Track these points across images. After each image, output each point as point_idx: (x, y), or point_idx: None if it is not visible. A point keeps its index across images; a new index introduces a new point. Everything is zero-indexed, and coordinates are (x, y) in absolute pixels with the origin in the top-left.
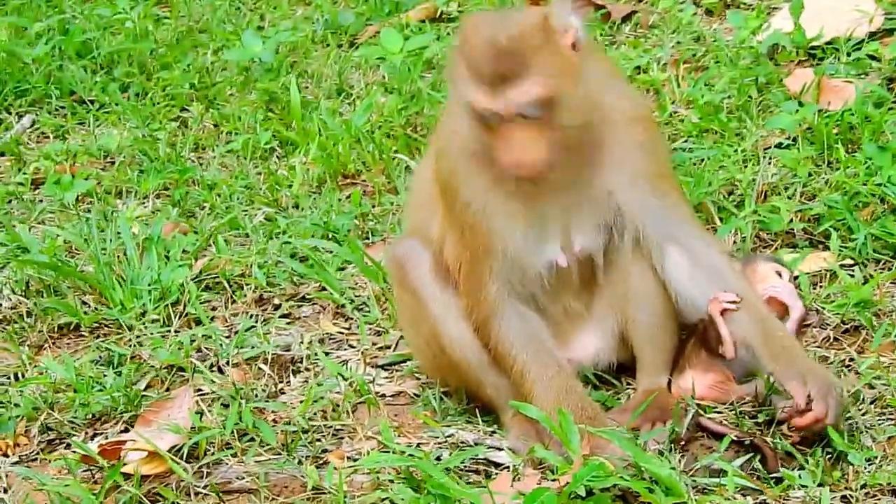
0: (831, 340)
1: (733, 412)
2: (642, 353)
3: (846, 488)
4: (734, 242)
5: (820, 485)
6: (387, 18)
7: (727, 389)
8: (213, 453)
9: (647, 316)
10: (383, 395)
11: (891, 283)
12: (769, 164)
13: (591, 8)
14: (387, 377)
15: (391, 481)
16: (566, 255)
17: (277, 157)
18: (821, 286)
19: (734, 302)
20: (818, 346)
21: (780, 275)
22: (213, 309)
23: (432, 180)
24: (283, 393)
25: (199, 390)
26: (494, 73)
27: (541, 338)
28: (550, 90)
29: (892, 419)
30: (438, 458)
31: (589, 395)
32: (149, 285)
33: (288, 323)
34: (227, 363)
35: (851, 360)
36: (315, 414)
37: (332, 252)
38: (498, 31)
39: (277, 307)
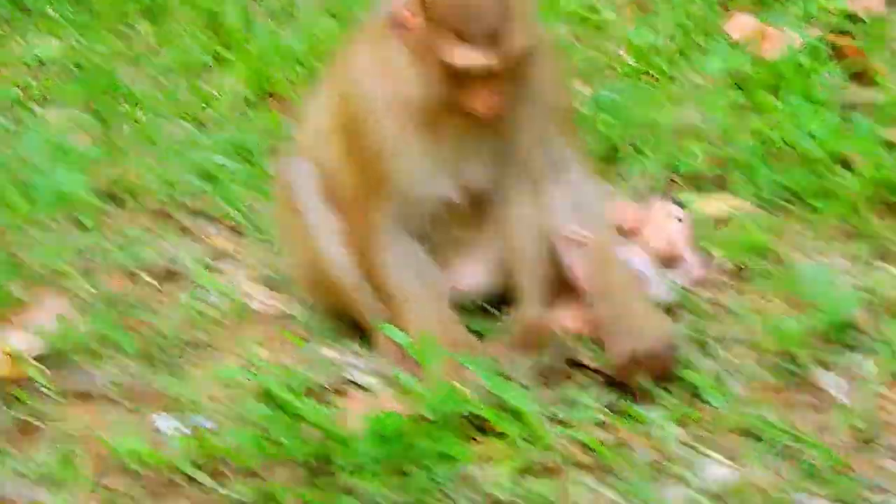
0: (720, 284)
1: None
2: (522, 283)
3: (702, 428)
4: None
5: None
6: None
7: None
8: (76, 360)
9: (528, 246)
10: (259, 313)
11: (796, 232)
12: (691, 108)
13: None
14: (269, 296)
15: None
16: (460, 192)
17: (211, 75)
18: (721, 229)
19: (579, 238)
20: (703, 289)
21: (671, 215)
22: (109, 218)
23: (331, 116)
24: (161, 304)
25: (77, 296)
26: (487, 29)
27: (422, 267)
28: (535, 37)
29: (763, 363)
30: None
31: (467, 324)
32: (46, 191)
33: (184, 237)
34: (109, 273)
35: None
36: (186, 326)
37: (233, 171)
38: None
39: (178, 222)
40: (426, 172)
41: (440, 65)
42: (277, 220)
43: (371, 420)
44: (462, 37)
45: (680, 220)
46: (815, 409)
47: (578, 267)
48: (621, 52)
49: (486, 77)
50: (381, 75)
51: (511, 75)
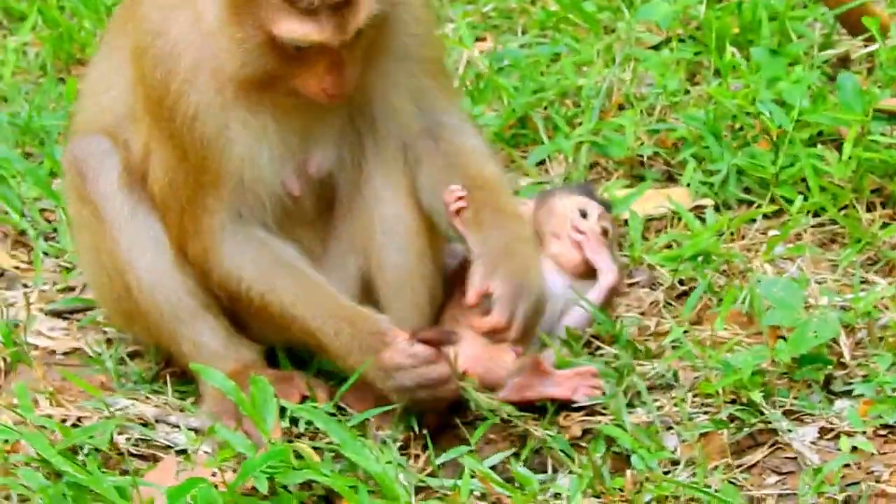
0: (661, 306)
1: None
2: (391, 305)
3: (623, 500)
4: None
5: (596, 495)
6: None
7: (500, 362)
8: None
9: (397, 253)
10: (53, 352)
11: (755, 231)
12: (627, 69)
13: None
14: (63, 328)
15: (26, 463)
16: (299, 180)
17: (1, 36)
18: (665, 232)
19: (460, 197)
20: (641, 314)
21: (584, 215)
22: None
23: (132, 84)
24: None
25: None
26: (326, 2)
27: (285, 258)
28: (379, 6)
29: (709, 412)
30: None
31: (320, 366)
32: None
33: None
34: None
35: (686, 331)
36: None
37: (19, 164)
38: None
39: None
40: (251, 154)
41: (263, 34)
42: (71, 220)
43: (169, 492)
44: (292, 2)
45: (587, 216)
46: (775, 472)
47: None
48: None
49: (324, 54)
50: (186, 31)
51: (360, 45)
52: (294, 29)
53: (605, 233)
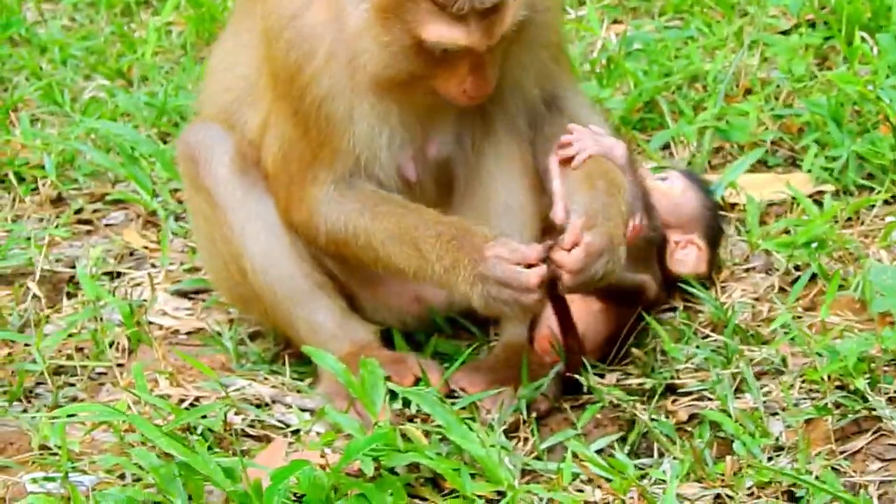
0: (776, 291)
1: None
2: None
3: (724, 485)
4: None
5: (698, 480)
6: None
7: (606, 318)
8: None
9: (513, 237)
10: (176, 332)
11: (873, 217)
12: (756, 53)
13: None
14: (187, 308)
15: (142, 443)
16: (417, 165)
17: (147, 15)
18: (785, 217)
19: (566, 145)
20: (756, 299)
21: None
22: None
23: (259, 64)
24: (49, 321)
25: None
26: (477, 7)
27: (386, 194)
28: (524, 12)
29: (816, 398)
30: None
31: (434, 347)
32: None
33: (89, 232)
34: None
35: (798, 317)
36: (73, 351)
37: (153, 145)
38: None
39: (79, 211)
40: (371, 135)
41: (410, 38)
42: (187, 206)
43: (275, 475)
44: (443, 8)
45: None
46: (878, 458)
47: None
48: None
49: (467, 57)
50: (323, 21)
51: (501, 47)
52: (443, 33)
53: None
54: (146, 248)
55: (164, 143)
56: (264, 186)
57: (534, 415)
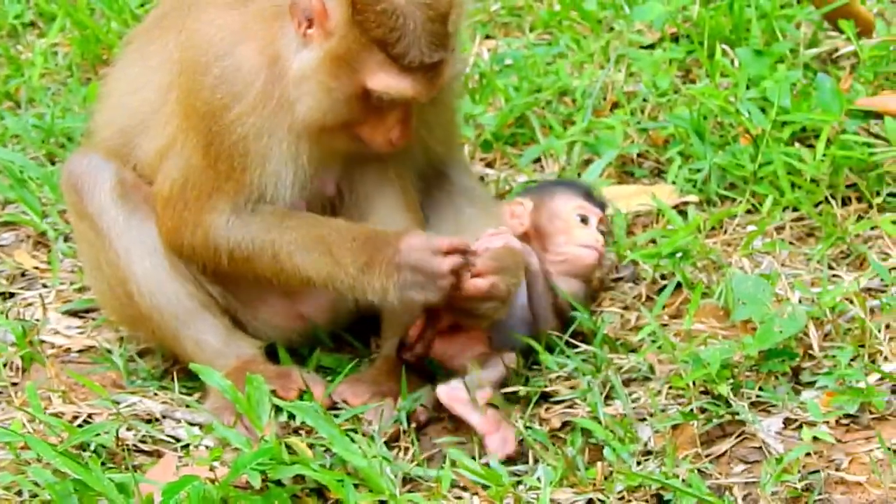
0: (643, 300)
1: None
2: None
3: (596, 490)
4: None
5: (571, 485)
6: None
7: (468, 351)
8: None
9: None
10: (68, 350)
11: (735, 226)
12: (622, 68)
13: None
14: (78, 327)
15: (38, 460)
16: (312, 198)
17: (34, 37)
18: (651, 228)
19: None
20: (624, 308)
21: (584, 220)
22: None
23: (166, 90)
24: None
25: None
26: (426, 61)
27: (298, 213)
28: (459, 66)
29: (682, 403)
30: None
31: (317, 361)
32: None
33: None
34: None
35: (664, 325)
36: None
37: (42, 167)
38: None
39: None
40: (279, 173)
41: (355, 84)
42: (74, 232)
43: (164, 489)
44: (395, 59)
45: (587, 221)
46: (742, 461)
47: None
48: None
49: (399, 107)
50: (255, 62)
51: (429, 101)
52: (391, 83)
53: (604, 235)
54: (37, 268)
55: (53, 164)
56: (145, 212)
57: (413, 425)
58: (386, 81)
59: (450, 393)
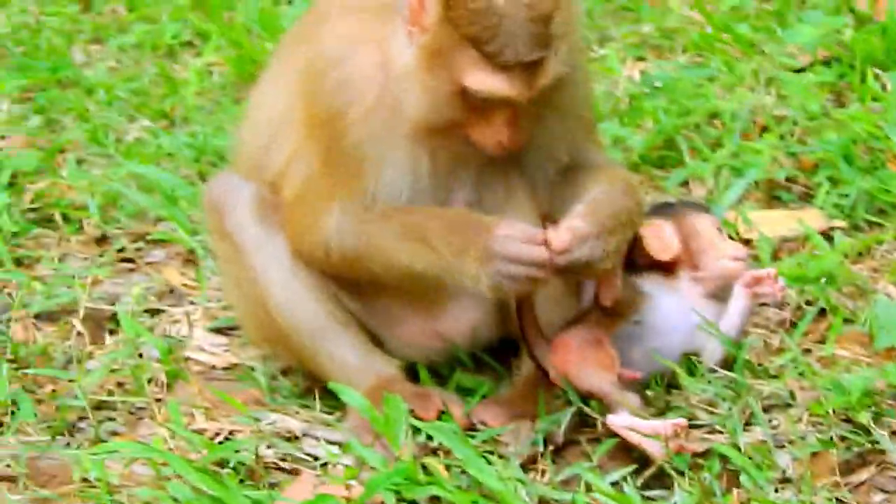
0: (787, 325)
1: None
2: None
3: None
4: (707, 192)
5: None
6: None
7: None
8: None
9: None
10: (213, 367)
11: (883, 252)
12: (772, 92)
13: None
14: (224, 345)
15: (178, 476)
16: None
17: (190, 56)
18: (798, 253)
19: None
20: (769, 332)
21: (720, 231)
22: (33, 245)
23: (292, 101)
24: (92, 358)
25: None
26: (522, 59)
27: (396, 206)
28: (568, 66)
29: (823, 431)
30: (237, 451)
31: (456, 382)
32: None
33: (131, 270)
34: (39, 316)
35: (807, 350)
36: (114, 387)
37: (192, 185)
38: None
39: (121, 249)
40: (397, 181)
41: (452, 82)
42: (214, 252)
43: None
44: (489, 57)
45: (721, 232)
46: (881, 490)
47: None
48: (695, 15)
49: (505, 108)
50: (370, 66)
51: (536, 102)
52: (486, 81)
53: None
54: (185, 285)
55: (204, 182)
56: (283, 232)
57: (550, 447)
58: (481, 79)
59: (624, 422)
